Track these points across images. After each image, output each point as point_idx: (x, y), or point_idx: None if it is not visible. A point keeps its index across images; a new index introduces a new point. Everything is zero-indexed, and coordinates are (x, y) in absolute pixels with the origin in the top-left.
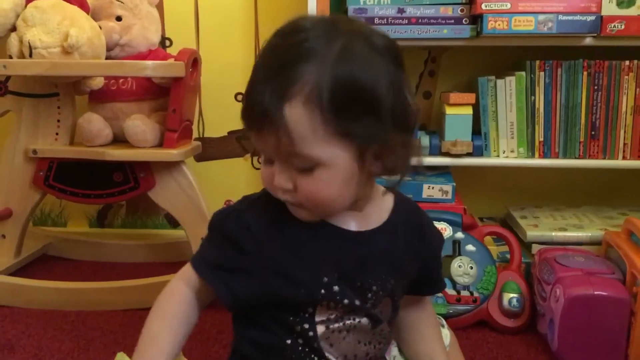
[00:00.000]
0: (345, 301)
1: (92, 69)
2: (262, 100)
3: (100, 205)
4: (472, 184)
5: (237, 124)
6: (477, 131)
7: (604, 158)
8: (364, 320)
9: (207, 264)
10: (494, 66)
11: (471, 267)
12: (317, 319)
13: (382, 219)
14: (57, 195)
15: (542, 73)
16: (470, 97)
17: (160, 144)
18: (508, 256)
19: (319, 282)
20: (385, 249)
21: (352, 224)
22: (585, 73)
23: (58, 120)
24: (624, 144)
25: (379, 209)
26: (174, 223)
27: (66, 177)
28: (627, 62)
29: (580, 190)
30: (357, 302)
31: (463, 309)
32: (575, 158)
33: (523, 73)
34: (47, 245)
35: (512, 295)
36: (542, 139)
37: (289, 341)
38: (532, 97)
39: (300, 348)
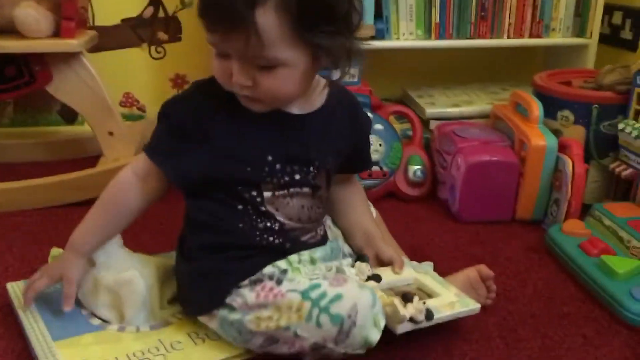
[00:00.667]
0: (286, 178)
1: None
2: (233, 3)
3: None
4: (372, 67)
5: (131, 11)
6: (378, 15)
7: (492, 37)
8: (306, 189)
9: (159, 151)
10: None
11: (380, 145)
12: (263, 188)
13: (320, 103)
14: None
15: None
16: None
17: (55, 34)
18: (409, 133)
19: (264, 161)
20: (323, 129)
21: (294, 109)
22: None
23: None
24: (509, 24)
25: (317, 95)
26: (69, 119)
27: None
28: None
29: (468, 69)
30: (298, 177)
31: (374, 183)
32: (467, 38)
33: None
34: None
35: (416, 167)
36: (438, 21)
37: (240, 207)
38: None
39: (250, 212)
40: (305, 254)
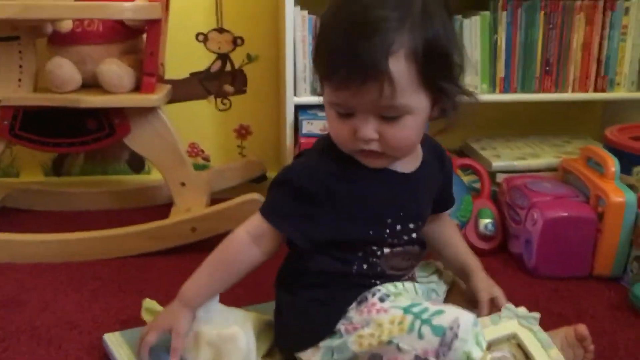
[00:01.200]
0: (405, 237)
1: (68, 11)
2: (370, 53)
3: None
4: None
5: (198, 65)
6: None
7: (556, 91)
8: (417, 247)
9: (278, 214)
10: (459, 5)
11: None
12: (384, 249)
13: (420, 157)
14: (25, 145)
15: (504, 12)
16: None
17: (135, 89)
18: (476, 185)
19: (384, 223)
20: (427, 182)
21: (404, 167)
22: (542, 12)
23: (20, 66)
24: (574, 79)
25: (419, 150)
26: (136, 169)
27: (34, 125)
28: (578, 2)
29: (528, 122)
30: (414, 235)
31: None
32: (532, 92)
33: (487, 12)
34: (4, 198)
35: (486, 220)
36: (502, 75)
37: (355, 267)
38: (495, 36)
39: (364, 270)
40: (400, 284)
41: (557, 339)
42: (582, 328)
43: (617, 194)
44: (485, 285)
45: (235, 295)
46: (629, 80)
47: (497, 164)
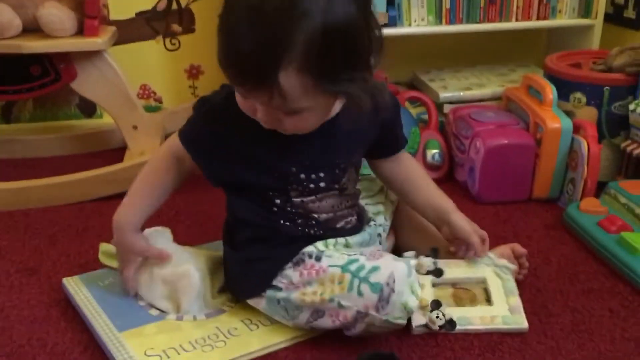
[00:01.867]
0: (312, 185)
1: None
2: (255, 63)
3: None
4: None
5: (144, 4)
6: (390, 2)
7: (500, 21)
8: (333, 192)
9: (195, 145)
10: None
11: None
12: (292, 195)
13: (340, 105)
14: None
15: None
16: None
17: (77, 32)
18: (424, 117)
19: (288, 170)
20: (347, 130)
21: None
22: None
23: None
24: (517, 7)
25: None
26: (88, 112)
27: None
28: None
29: (475, 51)
30: (323, 184)
31: None
32: (477, 22)
33: None
34: None
35: (434, 150)
36: (448, 7)
37: (275, 209)
38: None
39: (287, 211)
40: (342, 239)
41: (496, 255)
42: (517, 246)
43: (554, 121)
44: (472, 228)
45: (190, 234)
46: (570, 7)
47: (444, 95)
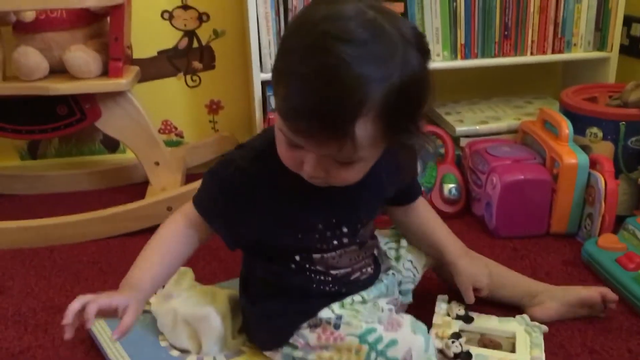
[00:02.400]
0: (335, 242)
1: (29, 3)
2: (338, 114)
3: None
4: None
5: (166, 43)
6: None
7: (515, 55)
8: (353, 247)
9: (206, 205)
10: None
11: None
12: (313, 252)
13: None
14: None
15: None
16: (399, 6)
17: (102, 73)
18: (440, 150)
19: (315, 228)
20: (370, 185)
21: None
22: None
23: None
24: (532, 41)
25: None
26: (111, 148)
27: (5, 114)
28: None
29: (490, 84)
30: (345, 240)
31: None
32: (492, 57)
33: None
34: None
35: (451, 185)
36: (463, 42)
37: (293, 266)
38: (454, 3)
39: (304, 269)
40: (358, 297)
41: (576, 294)
42: (610, 293)
43: (570, 156)
44: (473, 278)
45: (210, 271)
46: (585, 41)
47: (460, 128)
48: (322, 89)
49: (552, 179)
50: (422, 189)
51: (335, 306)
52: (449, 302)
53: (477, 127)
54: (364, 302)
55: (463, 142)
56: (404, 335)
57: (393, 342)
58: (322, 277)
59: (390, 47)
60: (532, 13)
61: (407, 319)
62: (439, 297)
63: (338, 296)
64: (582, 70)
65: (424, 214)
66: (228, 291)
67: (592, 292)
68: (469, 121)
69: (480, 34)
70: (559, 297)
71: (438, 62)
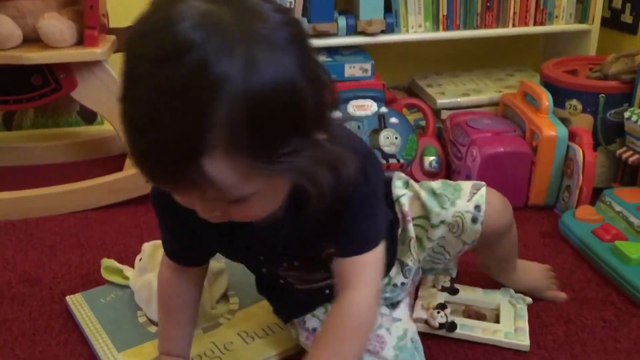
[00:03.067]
0: (285, 264)
1: None
2: (169, 160)
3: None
4: (380, 58)
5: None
6: (388, 9)
7: (497, 27)
8: (296, 273)
9: (171, 250)
10: None
11: (396, 138)
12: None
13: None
14: None
15: None
16: None
17: (77, 42)
18: (422, 123)
19: (256, 260)
20: (297, 223)
21: None
22: None
23: None
24: (514, 13)
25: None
26: (88, 119)
27: None
28: None
29: (472, 57)
30: (297, 263)
31: None
32: (474, 28)
33: None
34: None
35: (431, 157)
36: (445, 13)
37: (265, 270)
38: None
39: (276, 276)
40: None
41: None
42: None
43: (550, 129)
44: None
45: None
46: (567, 12)
47: (441, 101)
48: (150, 124)
49: (532, 152)
50: (403, 161)
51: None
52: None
53: (459, 100)
54: None
55: (444, 114)
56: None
57: None
58: (293, 287)
59: (228, 53)
60: None
61: (393, 338)
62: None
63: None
64: (563, 43)
65: (339, 306)
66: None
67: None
68: (450, 93)
69: (463, 5)
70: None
71: (420, 33)
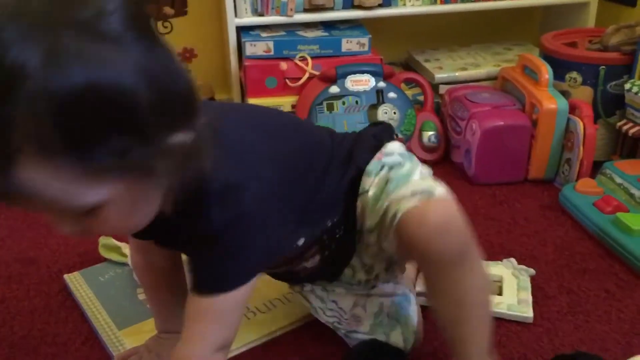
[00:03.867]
0: None
1: None
2: None
3: None
4: (377, 33)
5: None
6: None
7: (496, 0)
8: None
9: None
10: None
11: (394, 113)
12: None
13: None
14: None
15: None
16: None
17: None
18: (420, 98)
19: None
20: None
21: None
22: None
23: None
24: None
25: None
26: None
27: None
28: None
29: (470, 30)
30: None
31: None
32: (471, 1)
33: None
34: None
35: (430, 132)
36: None
37: None
38: None
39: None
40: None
41: None
42: None
43: (550, 101)
44: None
45: None
46: None
47: (439, 75)
48: None
49: (532, 125)
50: (402, 136)
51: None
52: None
53: (457, 74)
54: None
55: (442, 89)
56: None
57: None
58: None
59: (27, 44)
60: None
61: (369, 315)
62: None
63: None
64: (562, 16)
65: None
66: None
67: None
68: (448, 68)
69: None
70: None
71: (417, 6)
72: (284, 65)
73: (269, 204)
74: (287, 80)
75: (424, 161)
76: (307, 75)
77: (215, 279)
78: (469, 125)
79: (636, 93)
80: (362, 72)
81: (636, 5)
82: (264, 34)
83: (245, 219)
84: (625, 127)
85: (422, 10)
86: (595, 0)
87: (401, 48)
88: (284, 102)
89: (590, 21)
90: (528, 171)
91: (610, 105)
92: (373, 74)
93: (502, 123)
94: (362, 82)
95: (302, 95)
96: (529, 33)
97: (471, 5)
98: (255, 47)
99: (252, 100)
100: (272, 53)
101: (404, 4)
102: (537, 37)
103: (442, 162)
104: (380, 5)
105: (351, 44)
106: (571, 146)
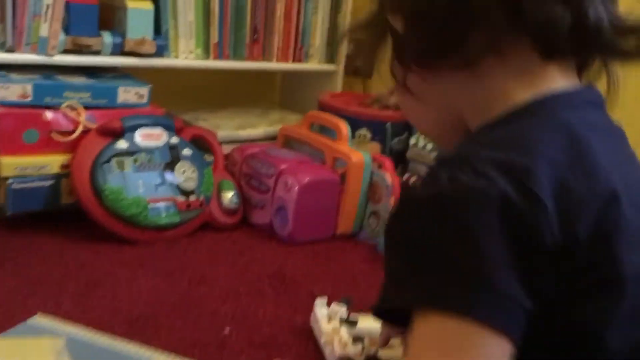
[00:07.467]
0: None
1: None
2: None
3: None
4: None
5: None
6: (157, 30)
7: (264, 60)
8: None
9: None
10: None
11: (193, 172)
12: None
13: None
14: None
15: None
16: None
17: None
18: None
19: None
20: None
21: None
22: None
23: None
24: (278, 48)
25: None
26: None
27: None
28: None
29: (233, 90)
30: None
31: (194, 214)
32: (243, 60)
33: None
34: None
35: (230, 192)
36: (216, 41)
37: None
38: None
39: None
40: None
41: None
42: None
43: (357, 155)
44: None
45: None
46: (319, 53)
47: (221, 133)
48: None
49: (339, 179)
50: (203, 198)
51: None
52: (328, 304)
53: (239, 133)
54: None
55: (226, 148)
56: None
57: None
58: None
59: None
60: (279, 17)
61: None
62: (318, 300)
63: None
64: (305, 80)
65: None
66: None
67: None
68: (225, 127)
69: (233, 33)
70: None
71: (191, 60)
72: (48, 114)
73: None
74: (53, 134)
75: (225, 225)
76: (80, 127)
77: None
78: (280, 181)
79: (422, 147)
80: (154, 125)
81: (372, 77)
82: (16, 76)
83: None
84: (411, 180)
85: (196, 65)
86: (341, 70)
87: (173, 104)
88: (50, 162)
89: (338, 87)
90: (337, 227)
91: (395, 159)
92: (165, 127)
93: (318, 177)
94: (153, 137)
95: (78, 152)
96: (270, 97)
97: (242, 64)
98: (7, 91)
99: (4, 159)
100: (30, 99)
101: (177, 56)
102: (275, 100)
103: (241, 226)
104: (153, 55)
105: (129, 94)
106: (379, 198)
